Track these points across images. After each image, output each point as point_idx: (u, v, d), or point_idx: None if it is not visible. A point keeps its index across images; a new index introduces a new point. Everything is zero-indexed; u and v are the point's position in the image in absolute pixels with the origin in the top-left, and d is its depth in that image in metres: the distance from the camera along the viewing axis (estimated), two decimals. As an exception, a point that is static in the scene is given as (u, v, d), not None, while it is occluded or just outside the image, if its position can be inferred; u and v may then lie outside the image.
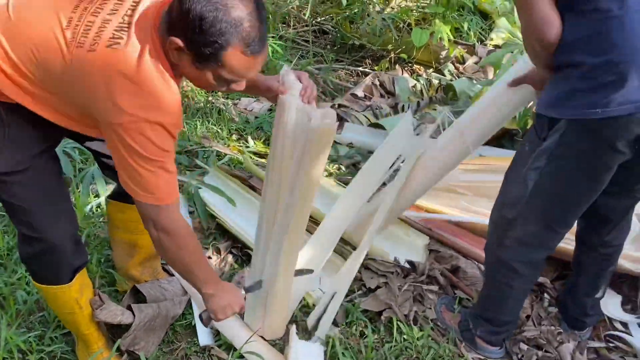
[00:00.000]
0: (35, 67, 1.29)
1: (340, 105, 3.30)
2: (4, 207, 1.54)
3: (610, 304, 2.02)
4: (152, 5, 1.28)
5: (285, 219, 1.60)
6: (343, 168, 2.80)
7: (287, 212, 1.59)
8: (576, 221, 1.67)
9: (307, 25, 3.92)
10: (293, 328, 1.83)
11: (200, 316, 1.61)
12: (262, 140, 2.99)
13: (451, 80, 3.53)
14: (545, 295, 2.05)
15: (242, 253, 2.23)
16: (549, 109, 1.43)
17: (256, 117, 3.19)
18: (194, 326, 1.88)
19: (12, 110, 1.36)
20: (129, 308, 1.72)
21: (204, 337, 1.85)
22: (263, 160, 2.79)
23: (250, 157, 2.79)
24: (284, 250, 1.63)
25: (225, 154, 2.82)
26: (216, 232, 2.35)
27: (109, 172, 1.70)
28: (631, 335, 1.93)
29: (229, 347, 1.81)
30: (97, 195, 2.40)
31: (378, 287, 2.05)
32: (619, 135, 1.35)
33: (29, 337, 1.78)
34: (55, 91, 1.33)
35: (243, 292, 1.64)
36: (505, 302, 1.77)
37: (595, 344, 1.91)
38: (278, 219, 1.63)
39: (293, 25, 3.94)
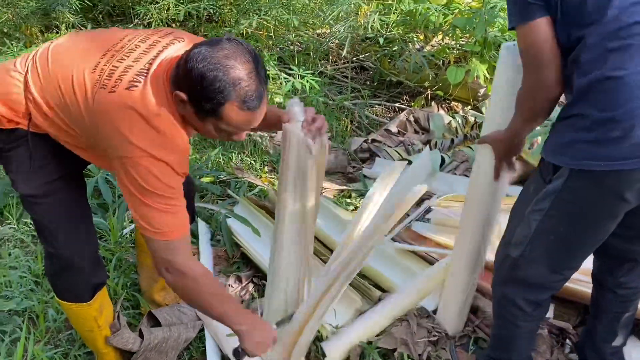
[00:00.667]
0: (62, 104, 1.37)
1: (373, 140, 3.32)
2: (34, 225, 1.62)
3: (635, 353, 1.93)
4: (168, 57, 1.36)
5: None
6: (371, 202, 2.80)
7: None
8: (592, 261, 1.66)
9: (347, 62, 3.98)
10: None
11: (234, 352, 1.57)
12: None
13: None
14: (567, 341, 1.98)
15: (263, 282, 2.21)
16: (554, 155, 1.42)
17: (291, 148, 3.22)
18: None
19: (39, 138, 1.43)
20: (141, 332, 1.75)
21: (213, 360, 1.86)
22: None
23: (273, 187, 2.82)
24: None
25: (257, 185, 2.86)
26: (240, 260, 2.38)
27: None
28: (655, 388, 1.84)
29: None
30: (132, 221, 2.46)
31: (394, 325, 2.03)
32: (623, 186, 1.34)
33: (55, 353, 1.83)
34: (76, 128, 1.40)
35: (274, 326, 1.62)
36: (514, 341, 1.74)
37: (617, 396, 1.83)
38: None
39: (334, 62, 4.02)
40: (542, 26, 1.29)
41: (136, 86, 1.31)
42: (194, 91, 1.27)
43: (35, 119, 1.41)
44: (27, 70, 1.42)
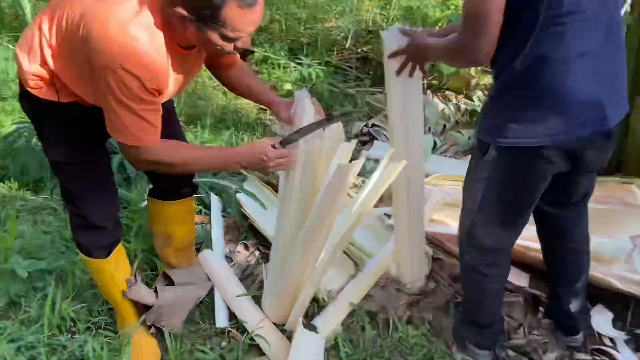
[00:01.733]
0: (63, 38, 1.34)
1: (373, 125, 3.32)
2: (60, 188, 1.64)
3: (602, 320, 1.94)
4: None
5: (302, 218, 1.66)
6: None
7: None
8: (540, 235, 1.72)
9: (351, 53, 3.97)
10: (300, 319, 1.81)
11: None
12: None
13: (478, 105, 3.48)
14: (540, 307, 2.00)
15: (267, 250, 2.23)
16: (489, 136, 1.45)
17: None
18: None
19: (65, 109, 1.44)
20: (156, 289, 1.79)
21: (221, 319, 1.87)
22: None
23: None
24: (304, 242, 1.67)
25: None
26: (248, 230, 2.39)
27: (152, 175, 1.82)
28: (618, 351, 1.85)
29: (244, 330, 1.83)
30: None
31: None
32: (549, 155, 1.39)
33: (81, 308, 1.87)
34: (74, 57, 1.34)
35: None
36: (482, 304, 1.76)
37: (582, 356, 1.84)
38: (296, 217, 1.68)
39: (340, 53, 4.00)
40: (496, 3, 1.21)
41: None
42: (192, 1, 1.20)
43: (60, 90, 1.42)
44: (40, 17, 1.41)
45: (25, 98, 1.48)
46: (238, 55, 1.61)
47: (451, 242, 2.19)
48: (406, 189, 1.84)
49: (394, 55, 1.60)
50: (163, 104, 1.47)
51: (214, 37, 1.25)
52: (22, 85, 1.47)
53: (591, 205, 1.76)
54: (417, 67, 1.61)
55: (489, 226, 1.58)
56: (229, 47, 1.30)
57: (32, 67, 1.40)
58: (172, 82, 1.41)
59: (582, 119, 1.35)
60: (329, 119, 1.58)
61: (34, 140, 2.61)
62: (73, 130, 1.50)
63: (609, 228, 2.05)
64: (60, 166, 1.55)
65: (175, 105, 1.86)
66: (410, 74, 1.62)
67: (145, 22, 1.26)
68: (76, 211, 1.60)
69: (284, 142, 1.49)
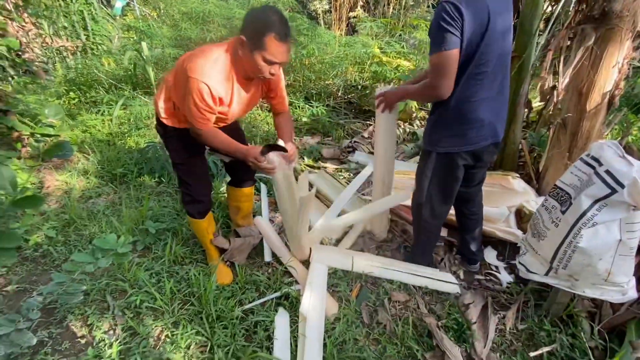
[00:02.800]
0: (176, 77, 1.34)
1: (355, 141, 3.26)
2: (177, 179, 1.63)
3: (490, 255, 1.94)
4: None
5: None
6: (352, 175, 2.76)
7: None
8: (454, 204, 1.68)
9: (342, 99, 3.92)
10: (313, 252, 1.77)
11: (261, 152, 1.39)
12: (311, 159, 2.98)
13: (417, 129, 3.43)
14: (454, 248, 1.99)
15: None
16: (430, 146, 1.44)
17: (310, 146, 3.17)
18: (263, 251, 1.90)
19: (180, 132, 1.45)
20: (230, 239, 1.78)
21: (267, 256, 1.86)
22: (310, 169, 2.79)
23: (304, 168, 2.80)
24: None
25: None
26: None
27: (229, 170, 1.79)
28: (499, 273, 1.84)
29: (280, 262, 1.83)
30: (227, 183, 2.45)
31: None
32: (467, 156, 1.40)
33: (186, 250, 1.87)
34: (181, 85, 1.31)
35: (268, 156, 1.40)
36: (428, 249, 1.74)
37: (479, 277, 1.83)
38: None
39: (335, 99, 3.95)
40: (456, 54, 1.19)
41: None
42: (247, 30, 1.18)
43: (169, 118, 1.42)
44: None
45: (159, 124, 1.49)
46: (284, 101, 1.56)
47: (402, 210, 2.18)
48: (381, 178, 1.82)
49: (378, 97, 1.61)
50: (233, 124, 1.49)
51: (259, 59, 1.21)
52: (157, 117, 1.47)
53: (485, 188, 1.74)
54: (390, 107, 1.60)
55: (433, 203, 1.55)
56: (267, 69, 1.25)
57: (163, 104, 1.42)
58: (236, 101, 1.37)
59: (484, 135, 1.35)
60: (283, 149, 1.45)
61: (158, 152, 2.60)
62: (184, 144, 1.49)
63: (494, 201, 2.03)
64: (177, 165, 1.55)
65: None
66: (389, 110, 1.62)
67: (222, 60, 1.26)
68: (186, 191, 1.60)
69: (262, 152, 1.40)
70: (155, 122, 1.57)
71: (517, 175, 2.14)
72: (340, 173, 2.80)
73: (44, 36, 4.31)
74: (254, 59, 1.22)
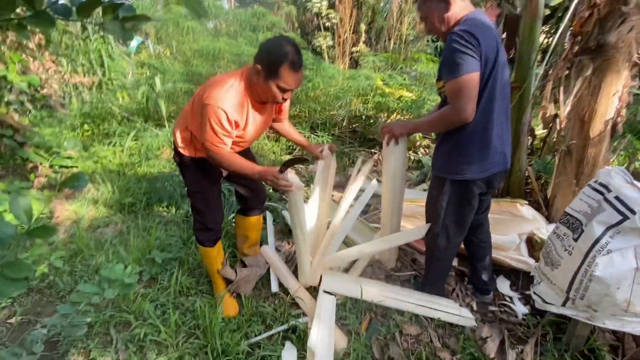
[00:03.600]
0: (194, 105, 1.39)
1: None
2: (191, 207, 1.62)
3: (503, 285, 1.88)
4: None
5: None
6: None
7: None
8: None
9: (346, 129, 4.00)
10: (322, 288, 1.71)
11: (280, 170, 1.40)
12: (317, 187, 3.01)
13: (422, 157, 3.47)
14: (465, 278, 1.94)
15: None
16: (444, 174, 1.42)
17: (315, 174, 3.20)
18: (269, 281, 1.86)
19: (197, 161, 1.48)
20: (236, 270, 1.75)
21: (274, 287, 1.83)
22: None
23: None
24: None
25: None
26: (289, 233, 2.33)
27: (239, 199, 1.79)
28: (514, 304, 1.78)
29: (287, 292, 1.79)
30: (234, 211, 2.44)
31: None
32: (483, 183, 1.39)
33: (192, 280, 1.85)
34: (198, 113, 1.34)
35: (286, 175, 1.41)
36: (440, 279, 1.70)
37: (493, 308, 1.77)
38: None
39: (340, 129, 4.03)
40: (477, 77, 1.20)
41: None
42: (263, 59, 1.22)
43: (186, 148, 1.46)
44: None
45: (176, 154, 1.53)
46: (287, 114, 1.65)
47: (414, 241, 2.14)
48: (391, 207, 1.77)
49: (385, 131, 1.57)
50: (247, 150, 1.52)
51: (273, 86, 1.25)
52: (175, 147, 1.51)
53: (493, 215, 1.73)
54: (395, 139, 1.56)
55: (449, 232, 1.52)
56: (280, 96, 1.29)
57: (180, 133, 1.46)
58: (251, 124, 1.40)
59: (498, 161, 1.37)
60: (301, 161, 1.50)
61: (167, 183, 2.64)
62: (200, 173, 1.52)
63: (504, 229, 2.01)
64: (193, 193, 1.56)
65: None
66: (395, 143, 1.57)
67: (236, 86, 1.30)
68: (198, 219, 1.60)
69: (280, 170, 1.41)
70: (172, 153, 1.60)
71: (526, 202, 2.13)
72: (346, 201, 2.80)
73: (62, 73, 4.55)
74: (268, 86, 1.26)
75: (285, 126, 1.69)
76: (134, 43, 6.05)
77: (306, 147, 1.72)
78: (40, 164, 2.71)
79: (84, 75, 4.82)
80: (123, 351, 1.49)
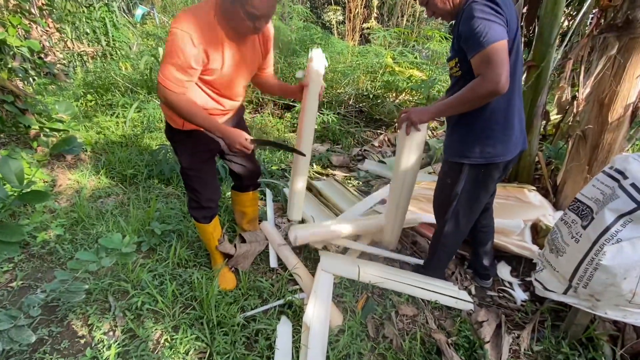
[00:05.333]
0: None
1: (365, 150, 3.24)
2: (185, 185, 1.56)
3: (503, 271, 1.85)
4: None
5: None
6: (361, 184, 2.73)
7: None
8: None
9: (353, 108, 3.90)
10: (320, 265, 1.70)
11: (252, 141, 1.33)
12: (320, 166, 2.95)
13: (428, 139, 3.38)
14: (465, 262, 1.91)
15: (302, 223, 2.13)
16: (459, 158, 1.32)
17: (319, 153, 3.15)
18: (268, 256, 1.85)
19: (183, 133, 1.39)
20: (235, 245, 1.73)
21: (272, 262, 1.82)
22: (319, 176, 2.76)
23: (313, 174, 2.77)
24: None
25: None
26: None
27: (233, 175, 1.75)
28: (513, 290, 1.75)
29: (286, 269, 1.78)
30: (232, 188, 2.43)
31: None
32: (502, 166, 1.30)
33: (190, 253, 1.84)
34: None
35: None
36: (443, 264, 1.67)
37: (492, 293, 1.75)
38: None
39: (346, 108, 3.94)
40: (505, 44, 1.08)
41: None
42: None
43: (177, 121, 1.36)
44: None
45: (167, 128, 1.46)
46: (270, 64, 1.48)
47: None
48: (396, 202, 1.68)
49: (402, 118, 1.39)
50: (237, 114, 1.41)
51: (242, 12, 1.09)
52: (166, 120, 1.44)
53: (499, 200, 1.68)
54: (415, 126, 1.38)
55: (459, 220, 1.46)
56: (252, 24, 1.12)
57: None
58: (229, 59, 1.21)
59: (518, 142, 1.30)
60: (288, 149, 1.44)
61: (168, 155, 2.62)
62: (193, 149, 1.45)
63: (509, 214, 1.95)
64: (185, 170, 1.50)
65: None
66: (416, 130, 1.39)
67: (207, 10, 1.14)
68: (193, 197, 1.55)
69: (253, 142, 1.30)
70: (165, 126, 1.54)
71: (534, 188, 2.06)
72: (349, 181, 2.76)
73: (66, 40, 4.45)
74: (236, 11, 1.10)
75: (270, 80, 1.51)
76: (139, 12, 5.88)
77: (296, 93, 1.50)
78: (42, 130, 2.69)
79: (88, 45, 4.72)
80: (121, 318, 1.50)
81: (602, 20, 1.67)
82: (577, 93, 1.82)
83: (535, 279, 1.49)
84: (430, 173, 2.67)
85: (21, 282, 1.68)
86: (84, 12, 4.70)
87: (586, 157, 1.84)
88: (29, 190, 1.06)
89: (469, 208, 1.43)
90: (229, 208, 2.19)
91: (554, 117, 2.65)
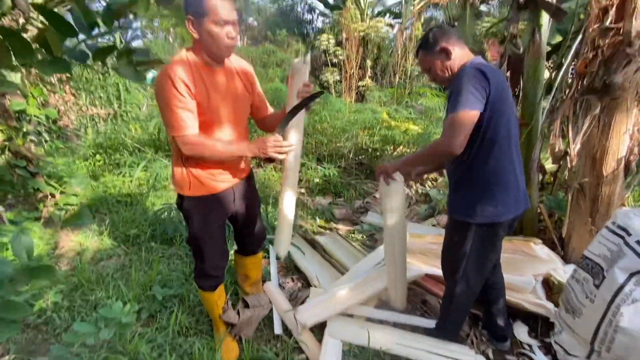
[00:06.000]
0: None
1: (367, 202, 3.26)
2: (192, 250, 1.53)
3: (520, 332, 1.75)
4: None
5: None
6: (365, 237, 2.70)
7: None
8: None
9: (353, 161, 4.01)
10: (327, 334, 1.62)
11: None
12: (323, 220, 2.94)
13: (429, 190, 3.42)
14: (480, 322, 1.82)
15: (306, 282, 2.13)
16: (468, 218, 1.32)
17: (321, 206, 3.16)
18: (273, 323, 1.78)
19: (192, 200, 1.38)
20: (238, 311, 1.67)
21: (277, 328, 1.74)
22: (322, 230, 2.75)
23: (317, 228, 2.76)
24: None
25: (304, 226, 2.80)
26: (294, 269, 2.28)
27: (237, 239, 1.73)
28: (534, 353, 1.65)
29: (291, 335, 1.69)
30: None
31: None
32: (506, 225, 1.31)
33: (191, 320, 1.78)
34: None
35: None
36: (456, 326, 1.60)
37: (511, 358, 1.64)
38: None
39: (347, 160, 4.04)
40: (476, 115, 1.17)
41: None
42: (188, 6, 1.12)
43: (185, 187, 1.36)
44: None
45: (178, 198, 1.45)
46: (269, 107, 1.51)
47: (424, 280, 2.02)
48: (393, 240, 1.63)
49: (377, 171, 1.47)
50: (249, 182, 1.43)
51: (210, 26, 1.12)
52: (177, 193, 1.43)
53: (505, 255, 1.66)
54: (390, 176, 1.43)
55: (469, 279, 1.43)
56: (223, 34, 1.14)
57: (174, 168, 1.37)
58: (213, 92, 1.24)
59: (522, 200, 1.32)
60: (310, 97, 1.27)
61: (173, 214, 2.63)
62: (204, 217, 1.43)
63: (517, 269, 1.91)
64: (195, 238, 1.46)
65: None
66: (387, 182, 1.44)
67: (181, 55, 1.20)
68: (199, 265, 1.52)
69: (280, 128, 1.25)
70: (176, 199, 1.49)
71: (540, 241, 2.04)
72: (353, 235, 2.73)
73: (80, 105, 4.74)
74: (207, 29, 1.13)
75: (272, 116, 1.50)
76: (149, 75, 6.32)
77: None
78: (50, 194, 2.73)
79: (101, 108, 5.00)
80: (115, 398, 1.40)
81: (582, 83, 1.80)
82: (568, 148, 1.89)
83: (555, 342, 1.42)
84: (434, 225, 2.67)
85: (14, 355, 1.59)
86: (99, 79, 5.06)
87: (587, 210, 1.86)
88: (35, 265, 1.05)
89: (478, 267, 1.40)
90: (232, 269, 2.14)
91: (550, 166, 2.72)
